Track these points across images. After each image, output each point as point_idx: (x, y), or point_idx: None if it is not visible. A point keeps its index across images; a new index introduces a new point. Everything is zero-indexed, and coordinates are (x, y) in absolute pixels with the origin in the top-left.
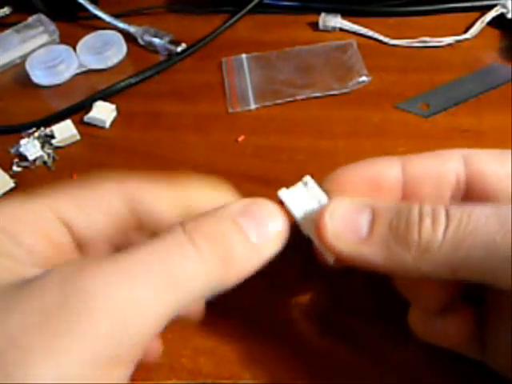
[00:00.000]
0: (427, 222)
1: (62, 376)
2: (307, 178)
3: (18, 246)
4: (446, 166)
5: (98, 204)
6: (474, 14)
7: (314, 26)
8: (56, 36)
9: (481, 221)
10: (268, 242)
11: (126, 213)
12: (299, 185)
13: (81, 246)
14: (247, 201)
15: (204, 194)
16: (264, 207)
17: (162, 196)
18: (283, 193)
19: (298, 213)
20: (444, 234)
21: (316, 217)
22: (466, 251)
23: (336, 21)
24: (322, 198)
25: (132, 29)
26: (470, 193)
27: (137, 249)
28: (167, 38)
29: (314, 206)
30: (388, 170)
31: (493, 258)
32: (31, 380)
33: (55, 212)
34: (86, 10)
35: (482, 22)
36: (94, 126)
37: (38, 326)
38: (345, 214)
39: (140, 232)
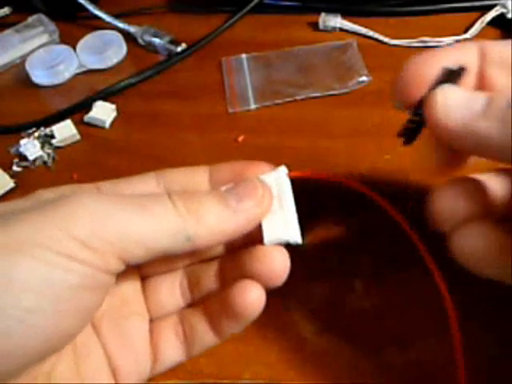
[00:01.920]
0: None
1: (42, 233)
2: (282, 169)
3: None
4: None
5: (137, 188)
6: (474, 14)
7: (314, 26)
8: (56, 36)
9: None
10: (244, 212)
11: (160, 191)
12: (273, 174)
13: None
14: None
15: (233, 172)
16: (250, 183)
17: (193, 175)
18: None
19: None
20: None
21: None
22: None
23: (336, 21)
24: (288, 193)
25: (132, 29)
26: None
27: (131, 194)
28: (167, 38)
29: (277, 201)
30: (468, 55)
31: None
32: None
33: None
34: (86, 9)
35: (482, 22)
36: (94, 126)
37: (36, 208)
38: (459, 95)
39: None
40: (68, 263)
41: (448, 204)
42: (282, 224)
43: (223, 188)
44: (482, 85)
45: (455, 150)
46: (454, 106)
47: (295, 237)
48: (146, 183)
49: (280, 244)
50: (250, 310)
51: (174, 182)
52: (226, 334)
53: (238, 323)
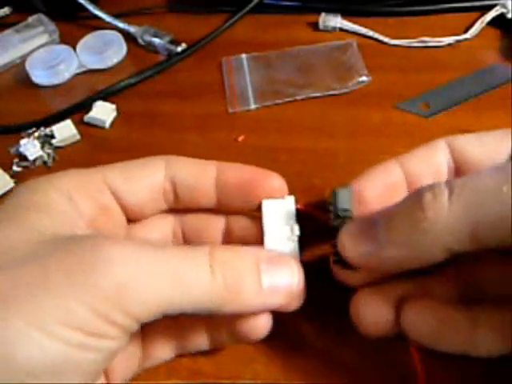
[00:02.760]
0: (427, 196)
1: (66, 310)
2: (290, 198)
3: (73, 206)
4: (437, 158)
5: (144, 176)
6: (474, 14)
7: (314, 26)
8: (56, 36)
9: (485, 176)
10: (275, 294)
11: (168, 183)
12: (282, 201)
13: (126, 211)
14: (275, 253)
15: (237, 174)
16: (287, 264)
17: (201, 171)
18: (265, 203)
19: (268, 226)
20: (449, 198)
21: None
22: (478, 206)
23: (336, 21)
24: (293, 222)
25: (132, 29)
26: (462, 172)
27: (163, 248)
28: (167, 38)
29: (283, 227)
30: (394, 176)
31: (504, 209)
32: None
33: (104, 180)
34: (86, 9)
35: (482, 22)
36: (94, 126)
37: (61, 270)
38: (360, 229)
39: (176, 201)
40: (92, 342)
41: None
42: (285, 240)
43: (263, 266)
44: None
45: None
46: (358, 241)
47: (294, 254)
48: (155, 173)
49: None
50: (257, 335)
51: (182, 174)
52: (222, 345)
53: (237, 342)
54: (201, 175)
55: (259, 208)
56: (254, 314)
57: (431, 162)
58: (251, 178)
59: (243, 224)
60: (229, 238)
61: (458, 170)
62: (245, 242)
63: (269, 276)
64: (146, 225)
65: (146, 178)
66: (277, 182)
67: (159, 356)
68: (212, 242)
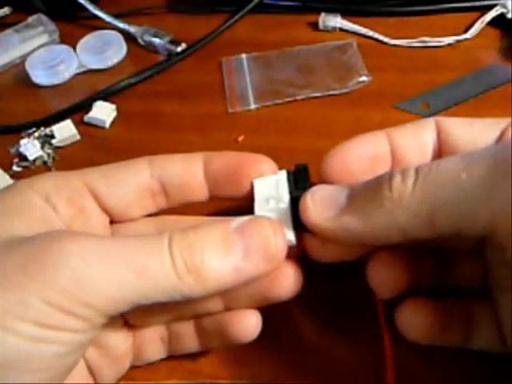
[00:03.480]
0: (397, 177)
1: (23, 304)
2: (282, 173)
3: (50, 208)
4: (425, 137)
5: (125, 178)
6: (474, 14)
7: (314, 26)
8: (56, 36)
9: (449, 164)
10: (249, 261)
11: (155, 183)
12: (272, 177)
13: (110, 213)
14: (247, 219)
15: (224, 161)
16: (258, 225)
17: (188, 166)
18: (256, 182)
19: (259, 205)
20: (414, 183)
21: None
22: (437, 192)
23: (336, 21)
24: (285, 196)
25: (132, 29)
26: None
27: (123, 238)
28: (167, 38)
29: (273, 199)
30: (379, 145)
31: (461, 196)
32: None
33: (85, 183)
34: (86, 9)
35: (482, 22)
36: (94, 125)
37: (17, 267)
38: (324, 194)
39: (167, 200)
40: (52, 334)
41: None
42: (273, 211)
43: (233, 224)
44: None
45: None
46: (321, 206)
47: (289, 236)
48: (139, 174)
49: None
50: (246, 337)
51: (168, 171)
52: (212, 347)
53: (228, 344)
54: (188, 170)
55: (251, 192)
56: (242, 312)
57: (418, 138)
58: (240, 163)
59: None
60: None
61: (442, 151)
62: None
63: (240, 244)
64: (130, 225)
65: (129, 180)
66: (266, 165)
67: (150, 356)
68: None
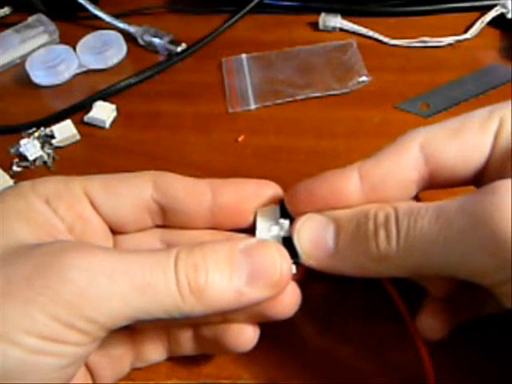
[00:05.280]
0: (381, 234)
1: (26, 317)
2: (283, 204)
3: (53, 213)
4: (404, 165)
5: (126, 192)
6: (474, 14)
7: (314, 25)
8: (56, 36)
9: (424, 224)
10: (254, 285)
11: (155, 204)
12: (275, 207)
13: (108, 223)
14: (255, 241)
15: (234, 195)
16: (269, 252)
17: (194, 194)
18: (260, 211)
19: (260, 231)
20: (397, 242)
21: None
22: (418, 253)
23: (336, 21)
24: (286, 223)
25: (132, 29)
26: (437, 177)
27: (129, 253)
28: (167, 38)
29: (274, 226)
30: (345, 183)
31: (437, 257)
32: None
33: (84, 190)
34: (86, 9)
35: (482, 22)
36: (94, 126)
37: (23, 279)
38: (311, 233)
39: (165, 221)
40: (54, 347)
41: None
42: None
43: (241, 245)
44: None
45: None
46: (309, 249)
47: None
48: (140, 190)
49: None
50: (242, 348)
51: (171, 195)
52: (209, 353)
53: (225, 352)
54: (194, 198)
55: (254, 221)
56: (239, 325)
57: (396, 170)
58: (247, 195)
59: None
60: None
61: (432, 173)
62: None
63: (245, 267)
64: (135, 235)
65: (129, 195)
66: (273, 191)
67: (150, 358)
68: None
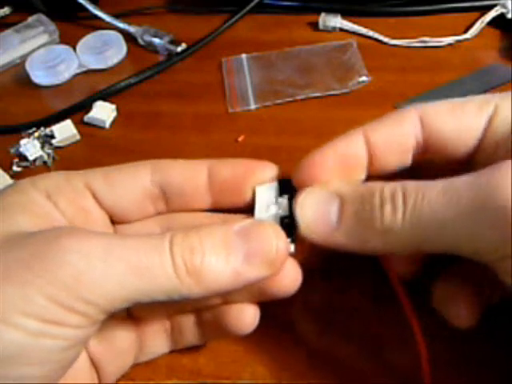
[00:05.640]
0: (387, 208)
1: (26, 299)
2: (285, 181)
3: (53, 206)
4: (405, 130)
5: (127, 181)
6: (474, 14)
7: (314, 25)
8: (56, 36)
9: (432, 198)
10: (250, 265)
11: (155, 189)
12: (274, 184)
13: (110, 214)
14: (250, 222)
15: (230, 172)
16: (266, 242)
17: (191, 174)
18: (258, 188)
19: (259, 210)
20: (403, 216)
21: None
22: (423, 228)
23: (336, 21)
24: (285, 202)
25: (132, 29)
26: (431, 149)
27: (125, 237)
28: (167, 38)
29: (273, 205)
30: (354, 148)
31: (443, 231)
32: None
33: (86, 183)
34: (86, 9)
35: (482, 22)
36: (94, 126)
37: (21, 261)
38: (314, 207)
39: (167, 206)
40: (53, 330)
41: None
42: (273, 216)
43: (236, 227)
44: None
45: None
46: (312, 222)
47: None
48: (140, 177)
49: None
50: (243, 329)
51: (170, 178)
52: (213, 340)
53: (227, 336)
54: (190, 178)
55: (253, 197)
56: (239, 306)
57: (397, 134)
58: (244, 172)
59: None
60: None
61: (427, 144)
62: None
63: (241, 247)
64: (133, 225)
65: (130, 184)
66: (269, 171)
67: (153, 350)
68: None
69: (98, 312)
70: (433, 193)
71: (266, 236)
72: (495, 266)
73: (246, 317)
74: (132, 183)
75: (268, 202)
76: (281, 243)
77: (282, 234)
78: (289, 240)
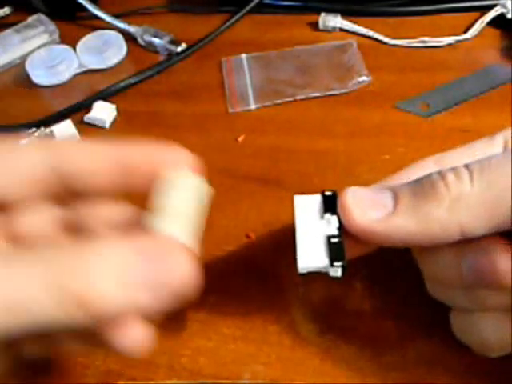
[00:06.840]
0: (450, 175)
1: None
2: (328, 193)
3: None
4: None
5: (16, 165)
6: (474, 14)
7: (314, 26)
8: (56, 36)
9: (499, 160)
10: (149, 297)
11: (50, 173)
12: (317, 196)
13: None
14: (155, 243)
15: (141, 153)
16: (170, 258)
17: (92, 156)
18: (298, 198)
19: (300, 228)
20: (470, 180)
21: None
22: (494, 188)
23: (336, 21)
24: (333, 219)
25: (132, 29)
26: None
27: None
28: (167, 38)
29: (319, 224)
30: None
31: None
32: None
33: None
34: (86, 9)
35: (482, 22)
36: (94, 126)
37: None
38: (366, 195)
39: (71, 191)
40: None
41: None
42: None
43: (135, 245)
44: None
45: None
46: (367, 208)
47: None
48: (23, 160)
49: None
50: (128, 349)
51: (70, 161)
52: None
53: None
54: (93, 161)
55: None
56: (122, 324)
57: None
58: (154, 161)
59: (129, 212)
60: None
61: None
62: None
63: (140, 272)
64: (24, 213)
65: (8, 166)
66: (177, 151)
67: (28, 356)
68: (96, 233)
69: None
70: (496, 155)
71: (173, 262)
72: None
73: (132, 336)
74: (14, 165)
75: (311, 217)
76: (187, 272)
77: (190, 260)
78: (339, 264)
